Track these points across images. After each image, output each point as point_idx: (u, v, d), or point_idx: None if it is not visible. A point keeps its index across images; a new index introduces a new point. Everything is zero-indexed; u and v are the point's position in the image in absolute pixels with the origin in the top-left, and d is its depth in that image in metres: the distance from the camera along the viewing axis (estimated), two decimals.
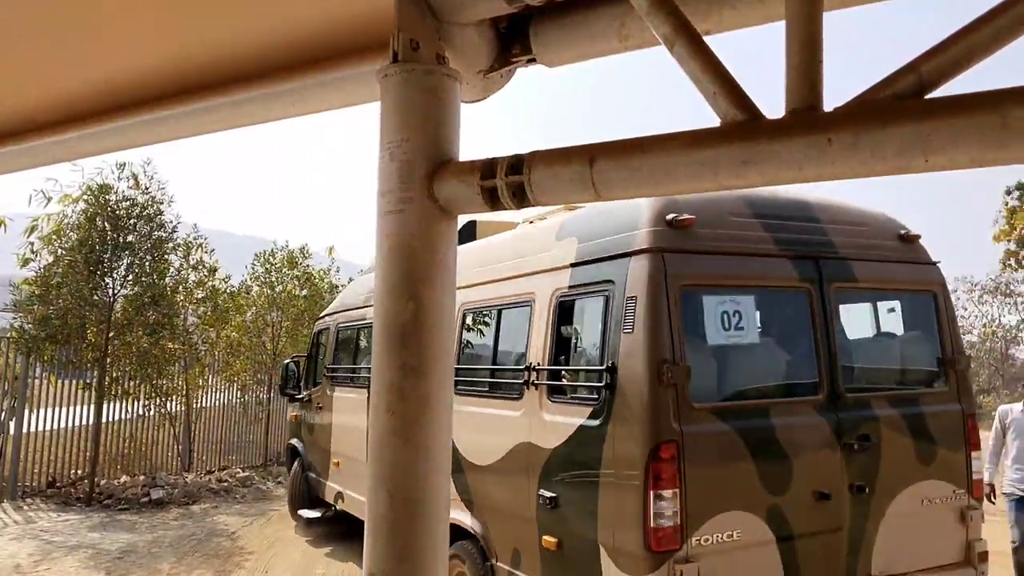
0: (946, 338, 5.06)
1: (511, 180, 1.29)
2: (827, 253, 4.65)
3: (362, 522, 1.44)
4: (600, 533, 4.06)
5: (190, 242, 12.69)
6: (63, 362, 11.44)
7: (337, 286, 16.48)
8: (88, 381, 11.35)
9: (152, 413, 12.35)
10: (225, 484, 11.84)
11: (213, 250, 13.32)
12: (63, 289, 10.70)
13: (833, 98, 1.03)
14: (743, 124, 1.06)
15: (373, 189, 1.42)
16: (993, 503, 6.13)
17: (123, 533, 8.98)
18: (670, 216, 4.11)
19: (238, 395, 14.41)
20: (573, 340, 4.72)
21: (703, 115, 1.23)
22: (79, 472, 11.37)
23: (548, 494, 4.43)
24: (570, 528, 4.33)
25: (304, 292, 14.78)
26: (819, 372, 4.49)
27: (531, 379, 4.76)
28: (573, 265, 4.63)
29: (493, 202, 1.33)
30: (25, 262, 10.80)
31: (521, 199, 1.31)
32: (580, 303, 4.64)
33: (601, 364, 4.15)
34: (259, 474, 12.73)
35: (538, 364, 4.74)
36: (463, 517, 5.24)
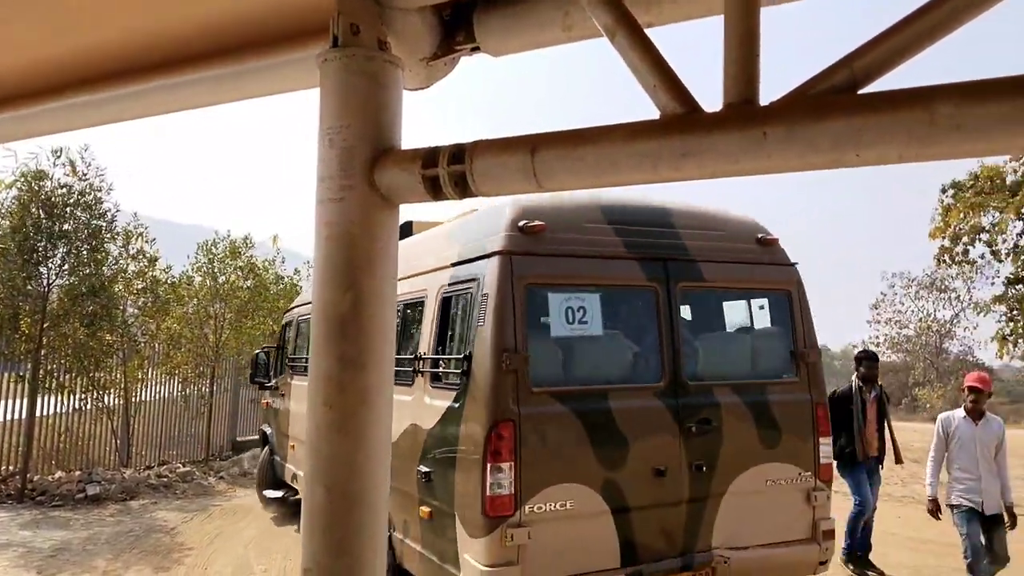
0: (799, 333, 5.44)
1: (453, 169, 1.27)
2: (676, 255, 5.09)
3: None
4: (456, 502, 4.51)
5: (130, 231, 12.35)
6: None
7: (282, 276, 16.22)
8: (21, 373, 10.97)
9: (89, 407, 11.99)
10: (165, 479, 11.58)
11: (155, 239, 13.00)
12: None
13: (770, 91, 1.04)
14: (682, 117, 1.07)
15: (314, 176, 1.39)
16: (939, 518, 6.17)
17: (57, 530, 8.72)
18: (522, 223, 4.58)
19: (179, 389, 14.09)
20: (449, 332, 5.10)
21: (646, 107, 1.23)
22: (10, 468, 10.99)
23: (424, 469, 4.89)
24: (437, 499, 4.77)
25: (248, 283, 14.50)
26: (662, 362, 4.93)
27: (418, 367, 5.23)
28: (454, 265, 5.08)
29: (435, 192, 1.32)
30: None
31: (464, 189, 1.29)
32: (455, 299, 5.04)
33: (461, 353, 4.65)
34: (200, 469, 12.47)
35: (424, 353, 5.22)
36: None
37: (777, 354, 5.53)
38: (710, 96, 1.11)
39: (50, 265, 10.80)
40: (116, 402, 12.56)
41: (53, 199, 10.71)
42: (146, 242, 12.70)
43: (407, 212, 4.81)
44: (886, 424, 7.46)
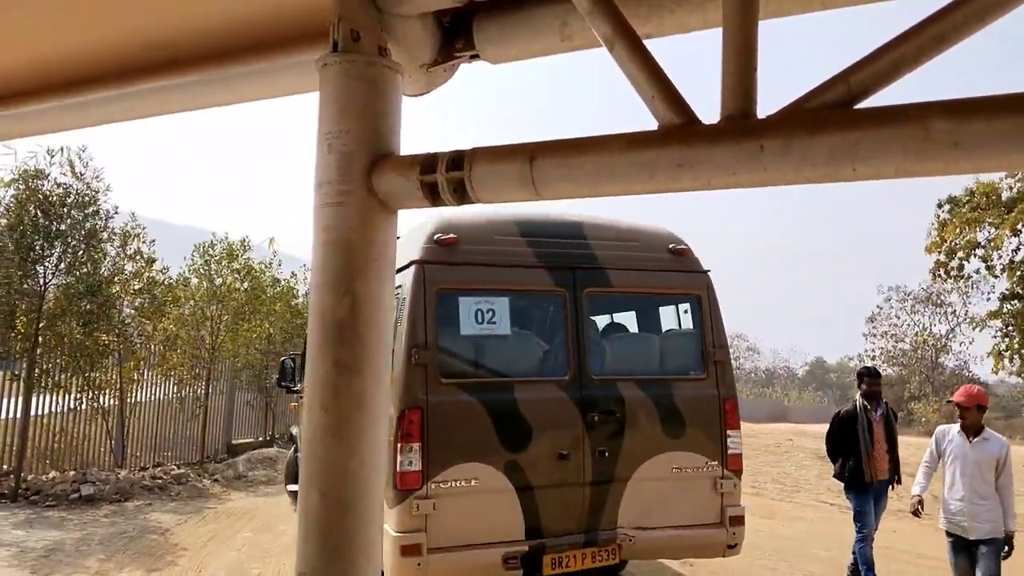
0: (708, 333, 5.88)
1: (451, 176, 1.28)
2: (584, 264, 5.62)
3: None
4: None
5: (128, 232, 12.34)
6: None
7: (279, 279, 16.21)
8: (16, 372, 10.93)
9: (84, 407, 11.94)
10: (160, 481, 11.54)
11: (153, 241, 12.99)
12: None
13: (767, 106, 1.04)
14: (680, 128, 1.07)
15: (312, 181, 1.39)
16: (919, 516, 6.16)
17: (50, 530, 8.69)
18: (437, 236, 5.16)
19: (175, 390, 14.05)
20: None
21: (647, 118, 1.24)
22: (4, 467, 10.95)
23: None
24: None
25: (245, 285, 14.49)
26: (568, 358, 5.48)
27: None
28: (397, 271, 5.47)
29: (434, 198, 1.32)
30: None
31: (462, 195, 1.30)
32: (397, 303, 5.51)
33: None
34: (195, 471, 12.43)
35: None
36: None
37: (686, 353, 6.01)
38: (708, 108, 1.12)
39: (47, 264, 10.78)
40: (111, 402, 12.52)
41: (51, 198, 10.70)
42: (144, 243, 12.68)
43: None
44: (896, 444, 7.05)
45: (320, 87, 1.36)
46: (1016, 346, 17.39)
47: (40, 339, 10.72)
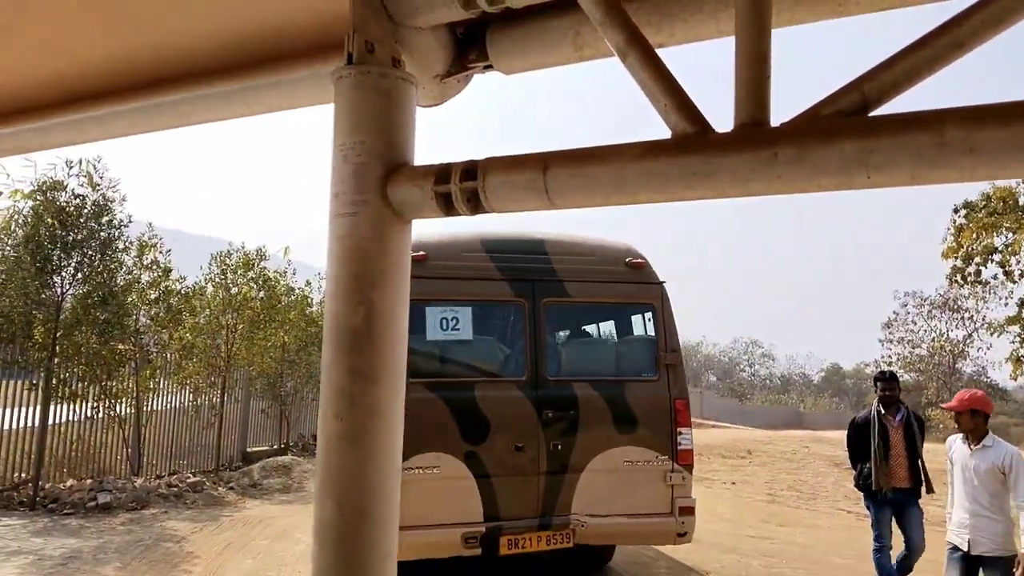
0: (661, 339, 6.40)
1: (465, 186, 1.28)
2: (544, 277, 6.24)
3: None
4: None
5: (144, 242, 12.45)
6: (8, 361, 11.12)
7: (293, 288, 16.28)
8: (34, 381, 11.03)
9: (101, 415, 12.04)
10: (175, 489, 11.59)
11: (169, 250, 13.08)
12: (9, 287, 10.41)
13: (780, 113, 1.04)
14: (692, 137, 1.07)
15: (327, 190, 1.40)
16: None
17: (68, 538, 8.75)
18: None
19: (190, 398, 14.13)
20: None
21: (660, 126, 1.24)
22: (23, 475, 11.04)
23: None
24: None
25: (261, 294, 14.57)
26: (526, 361, 6.10)
27: None
28: None
29: (447, 208, 1.33)
30: None
31: (475, 206, 1.30)
32: None
33: None
34: (211, 479, 12.49)
35: None
36: None
37: (640, 356, 6.54)
38: (720, 116, 1.12)
39: (64, 274, 10.88)
40: (128, 411, 12.61)
41: (67, 209, 10.81)
42: (160, 252, 12.78)
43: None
44: (917, 451, 6.66)
45: (335, 99, 1.37)
46: None
47: (57, 349, 10.81)
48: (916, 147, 0.92)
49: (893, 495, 6.65)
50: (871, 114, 0.99)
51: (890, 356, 40.50)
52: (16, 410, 11.06)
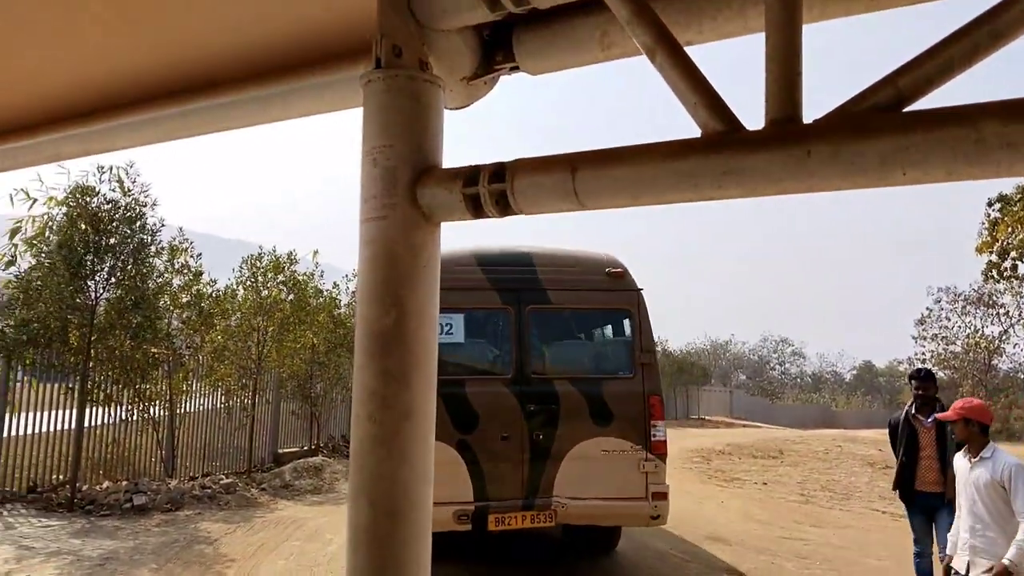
0: (637, 340, 7.05)
1: (494, 188, 1.28)
2: (529, 286, 7.02)
3: None
4: None
5: (175, 246, 12.61)
6: (44, 366, 11.33)
7: (323, 291, 16.40)
8: (70, 385, 11.23)
9: (135, 418, 12.23)
10: (209, 490, 11.74)
11: (200, 254, 13.24)
12: (44, 292, 10.60)
13: (812, 110, 1.03)
14: (723, 135, 1.06)
15: (357, 194, 1.41)
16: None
17: (105, 539, 8.89)
18: None
19: (222, 400, 14.29)
20: None
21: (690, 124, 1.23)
22: (60, 477, 11.25)
23: None
24: None
25: (291, 297, 14.70)
26: (512, 361, 6.90)
27: None
28: None
29: (476, 210, 1.33)
30: (8, 264, 10.69)
31: (504, 208, 1.30)
32: None
33: None
34: (243, 481, 12.62)
35: None
36: None
37: (618, 357, 7.30)
38: (750, 114, 1.10)
39: (97, 279, 11.06)
40: (161, 413, 12.79)
41: (99, 214, 10.99)
42: (191, 256, 12.95)
43: None
44: (946, 454, 6.15)
45: (364, 103, 1.38)
46: None
47: (92, 352, 10.99)
48: (952, 143, 0.90)
49: (924, 499, 6.41)
50: (906, 109, 0.97)
51: (924, 353, 39.85)
52: (53, 413, 11.28)
